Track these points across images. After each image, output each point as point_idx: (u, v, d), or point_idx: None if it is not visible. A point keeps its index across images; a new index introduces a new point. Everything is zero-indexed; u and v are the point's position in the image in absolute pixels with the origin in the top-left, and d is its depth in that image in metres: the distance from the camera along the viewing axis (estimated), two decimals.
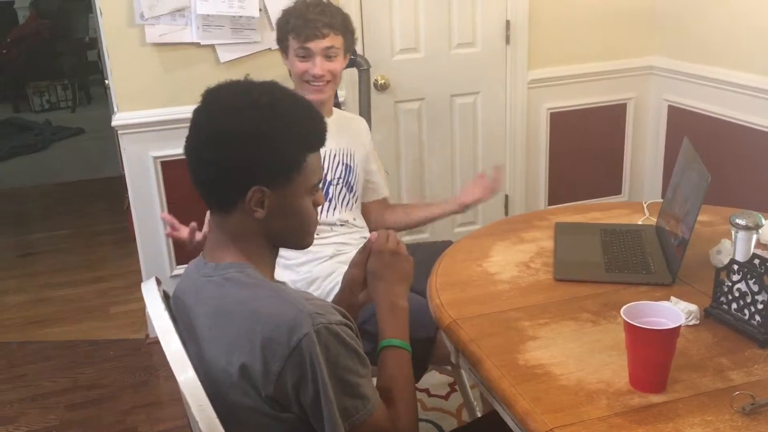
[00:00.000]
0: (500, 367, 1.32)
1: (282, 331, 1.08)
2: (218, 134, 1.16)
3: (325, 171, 2.13)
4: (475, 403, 2.27)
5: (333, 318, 1.12)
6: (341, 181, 2.17)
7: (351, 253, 2.07)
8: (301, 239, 1.28)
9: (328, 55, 2.09)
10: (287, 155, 1.17)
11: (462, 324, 1.47)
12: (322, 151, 2.10)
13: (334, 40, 2.09)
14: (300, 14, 2.10)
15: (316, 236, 2.09)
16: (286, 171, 1.18)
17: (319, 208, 2.10)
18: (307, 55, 2.08)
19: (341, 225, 2.16)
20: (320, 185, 1.27)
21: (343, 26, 2.13)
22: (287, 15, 2.14)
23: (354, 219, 2.19)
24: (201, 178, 1.20)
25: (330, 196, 2.16)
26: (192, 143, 1.19)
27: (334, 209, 2.16)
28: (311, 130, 1.22)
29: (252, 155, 1.15)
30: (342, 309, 1.17)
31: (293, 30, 2.09)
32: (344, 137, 2.20)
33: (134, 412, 2.57)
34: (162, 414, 2.54)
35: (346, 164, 2.19)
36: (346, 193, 2.18)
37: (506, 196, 3.47)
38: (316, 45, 2.07)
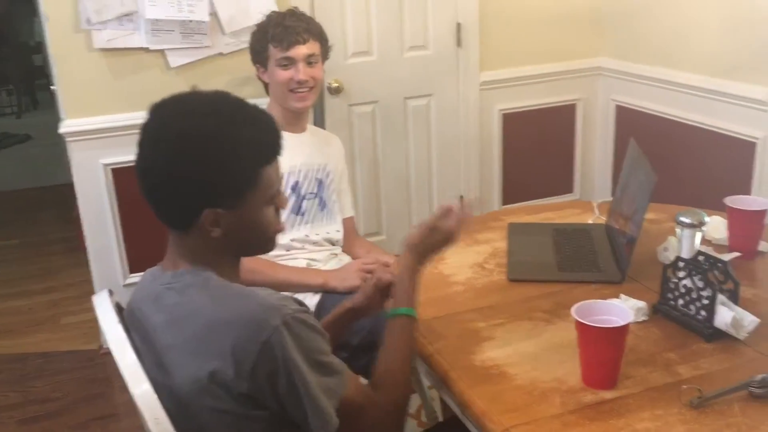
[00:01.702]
0: (456, 368, 1.33)
1: (250, 329, 1.08)
2: (166, 154, 1.13)
3: (299, 185, 2.14)
4: (434, 403, 2.28)
5: (294, 306, 1.13)
6: (314, 196, 2.17)
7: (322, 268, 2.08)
8: (261, 247, 1.26)
9: (309, 62, 2.12)
10: (239, 175, 1.14)
11: (418, 326, 1.48)
12: (296, 165, 2.12)
13: (314, 47, 2.13)
14: (278, 23, 2.11)
15: (287, 252, 2.11)
16: (239, 190, 1.15)
17: (291, 223, 2.12)
18: (289, 64, 2.10)
19: (313, 243, 2.15)
20: (280, 190, 1.24)
21: (320, 34, 2.17)
22: (264, 26, 2.16)
23: (327, 234, 2.19)
24: (153, 197, 1.17)
25: (303, 210, 2.15)
26: (141, 161, 1.16)
27: (306, 224, 2.16)
28: (264, 143, 1.18)
29: (202, 177, 1.12)
30: (295, 298, 1.18)
31: (274, 39, 2.10)
32: (318, 153, 2.21)
33: (89, 426, 2.52)
34: (118, 427, 2.49)
35: (320, 180, 2.19)
36: (319, 209, 2.18)
37: (461, 198, 3.50)
38: (297, 52, 2.09)
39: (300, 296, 2.03)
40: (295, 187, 2.14)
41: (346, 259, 2.24)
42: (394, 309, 1.36)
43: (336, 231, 2.23)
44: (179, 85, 1.24)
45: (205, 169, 1.12)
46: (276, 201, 1.23)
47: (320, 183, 2.20)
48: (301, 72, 2.10)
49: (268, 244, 1.26)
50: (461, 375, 1.31)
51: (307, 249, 2.15)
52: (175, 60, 2.74)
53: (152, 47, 2.70)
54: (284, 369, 1.08)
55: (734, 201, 1.72)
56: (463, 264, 1.77)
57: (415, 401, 2.51)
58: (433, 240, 1.44)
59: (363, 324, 1.92)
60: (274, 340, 1.07)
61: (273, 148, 1.20)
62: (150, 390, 1.07)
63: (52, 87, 2.86)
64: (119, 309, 1.25)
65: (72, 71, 2.67)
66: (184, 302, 1.15)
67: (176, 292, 1.16)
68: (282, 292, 1.20)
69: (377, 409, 1.21)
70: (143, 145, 1.16)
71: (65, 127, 2.71)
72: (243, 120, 1.16)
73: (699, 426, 1.14)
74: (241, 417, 1.11)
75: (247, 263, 2.02)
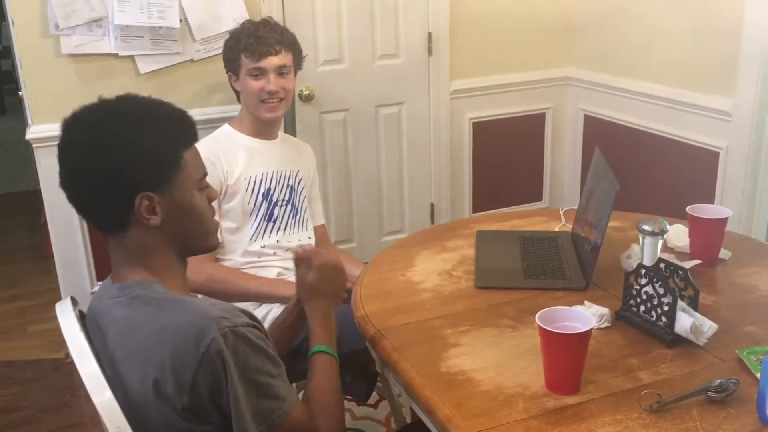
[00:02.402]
0: (423, 375, 1.34)
1: (189, 339, 1.07)
2: (85, 153, 1.14)
3: (271, 192, 2.14)
4: (404, 410, 2.29)
5: (238, 320, 1.12)
6: (286, 203, 2.17)
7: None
8: (203, 240, 1.26)
9: (281, 73, 2.13)
10: (160, 155, 1.16)
11: (386, 334, 1.49)
12: (268, 172, 2.12)
13: (285, 58, 2.13)
14: (251, 33, 2.12)
15: (258, 259, 2.11)
16: (165, 171, 1.17)
17: (263, 230, 2.11)
18: (260, 74, 2.11)
19: (285, 250, 2.15)
20: (207, 181, 1.27)
21: (293, 44, 2.18)
22: (237, 35, 2.16)
23: (299, 241, 2.19)
24: (83, 203, 1.18)
25: (275, 217, 2.15)
26: (64, 173, 1.17)
27: (278, 231, 2.16)
28: (179, 127, 1.21)
29: (126, 163, 1.14)
30: (247, 311, 1.18)
31: (246, 49, 2.10)
32: (289, 160, 2.21)
33: None
34: None
35: (291, 186, 2.20)
36: (291, 217, 2.19)
37: (432, 205, 3.52)
38: (269, 62, 2.10)
39: (267, 306, 2.03)
40: (267, 194, 2.14)
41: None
42: (316, 347, 1.39)
43: (308, 238, 2.24)
44: (149, 92, 1.25)
45: (127, 153, 1.14)
46: (205, 189, 1.25)
47: (292, 190, 2.20)
48: (272, 83, 2.10)
49: (209, 237, 1.27)
50: (427, 381, 1.32)
51: (279, 256, 2.15)
52: (145, 66, 2.73)
53: (122, 53, 2.69)
54: (226, 382, 1.08)
55: (696, 209, 1.76)
56: (431, 271, 1.79)
57: (384, 408, 2.52)
58: (319, 278, 1.46)
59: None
60: (213, 350, 1.07)
61: (189, 132, 1.23)
62: (112, 399, 1.06)
63: (19, 92, 2.83)
64: (83, 317, 1.24)
65: (39, 77, 2.65)
66: (129, 315, 1.15)
67: (122, 305, 1.16)
68: (233, 304, 1.20)
69: None
70: (63, 159, 1.17)
71: (32, 133, 2.68)
72: (155, 106, 1.20)
73: (658, 430, 1.16)
74: None
75: (216, 273, 2.03)
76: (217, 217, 1.31)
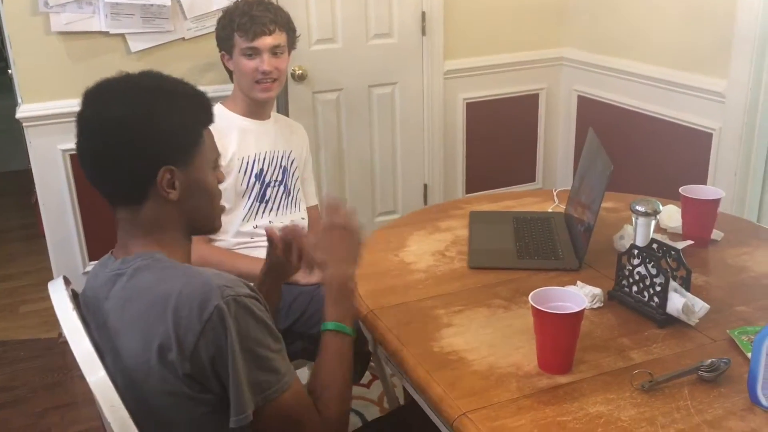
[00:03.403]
0: (416, 355, 1.35)
1: (193, 306, 1.08)
2: (112, 125, 1.14)
3: (264, 172, 2.13)
4: (397, 390, 2.31)
5: (241, 291, 1.12)
6: (278, 183, 2.17)
7: None
8: (211, 220, 1.27)
9: (274, 53, 2.11)
10: (186, 131, 1.18)
11: (379, 314, 1.50)
12: (260, 152, 2.11)
13: (280, 38, 2.11)
14: (245, 12, 2.10)
15: (251, 240, 2.10)
16: (187, 147, 1.19)
17: (255, 210, 2.11)
18: (254, 54, 2.09)
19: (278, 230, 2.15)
20: (219, 162, 1.28)
21: (287, 24, 2.16)
22: (230, 14, 2.13)
23: (292, 221, 2.18)
24: (103, 174, 1.18)
25: (267, 197, 2.15)
26: (85, 145, 1.17)
27: (271, 211, 2.15)
28: (200, 105, 1.23)
29: (152, 137, 1.15)
30: (249, 284, 1.17)
31: (240, 28, 2.09)
32: (282, 140, 2.20)
33: (48, 414, 2.49)
34: (77, 415, 2.47)
35: (284, 167, 2.19)
36: (283, 197, 2.18)
37: (425, 185, 3.52)
38: (263, 42, 2.08)
39: None
40: (260, 175, 2.13)
41: None
42: (324, 323, 1.30)
43: (301, 218, 2.23)
44: (140, 71, 1.24)
45: (154, 127, 1.15)
46: (217, 170, 1.26)
47: (284, 170, 2.19)
48: (266, 62, 2.08)
49: (215, 220, 1.28)
50: (420, 361, 1.33)
51: None
52: (136, 45, 2.70)
53: (112, 31, 2.66)
54: (226, 351, 1.08)
55: (688, 190, 1.76)
56: (424, 252, 1.79)
57: (377, 388, 2.53)
58: (337, 242, 1.36)
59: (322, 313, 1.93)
60: (216, 318, 1.07)
61: (209, 112, 1.24)
62: (105, 377, 1.06)
63: (9, 71, 2.80)
64: (75, 296, 1.23)
65: (29, 55, 2.61)
66: (132, 284, 1.15)
67: (127, 277, 1.16)
68: (237, 277, 1.19)
69: (317, 422, 1.19)
70: (84, 128, 1.17)
71: (22, 112, 2.65)
72: (176, 88, 1.21)
73: (649, 409, 1.17)
74: (189, 399, 1.11)
75: (209, 253, 2.02)
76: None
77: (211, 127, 1.25)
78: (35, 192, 2.82)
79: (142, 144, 1.15)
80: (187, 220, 1.22)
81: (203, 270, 1.16)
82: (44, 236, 2.83)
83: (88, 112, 1.17)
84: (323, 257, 1.35)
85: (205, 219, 1.26)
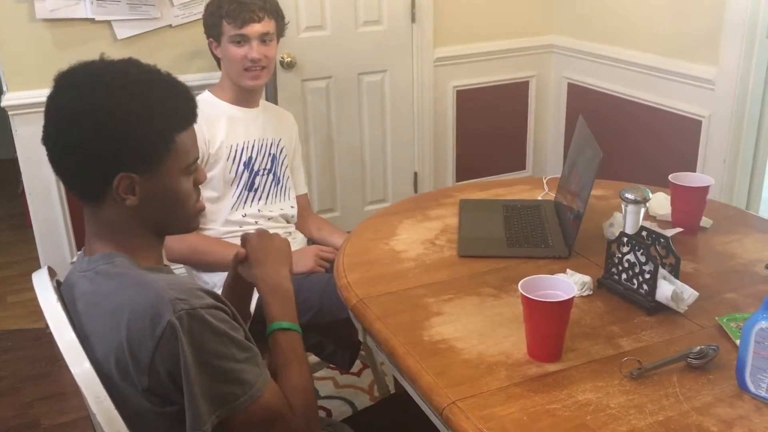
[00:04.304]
0: (405, 344, 1.34)
1: (145, 321, 1.04)
2: (72, 119, 1.09)
3: (252, 161, 2.11)
4: (387, 379, 2.31)
5: (197, 302, 1.06)
6: (267, 172, 2.15)
7: None
8: (181, 223, 1.22)
9: (263, 40, 2.09)
10: (151, 137, 1.10)
11: (368, 303, 1.49)
12: (249, 140, 2.09)
13: (269, 25, 2.10)
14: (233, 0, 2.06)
15: (240, 228, 2.09)
16: (152, 154, 1.11)
17: (244, 199, 2.09)
18: (242, 41, 2.07)
19: (267, 219, 2.14)
20: (197, 164, 1.21)
21: (276, 11, 2.14)
22: (219, 1, 2.11)
23: (281, 210, 2.17)
24: (62, 168, 1.13)
25: (256, 186, 2.13)
26: (48, 131, 1.12)
27: (260, 200, 2.14)
28: (177, 109, 1.14)
29: (112, 140, 1.08)
30: (214, 292, 1.13)
31: (228, 15, 2.06)
32: (271, 128, 2.19)
33: (36, 405, 2.48)
34: (66, 405, 2.46)
35: (273, 155, 2.17)
36: (272, 186, 2.17)
37: (415, 174, 3.51)
38: (252, 29, 2.06)
39: None
40: (248, 163, 2.12)
41: (299, 237, 2.24)
42: (269, 326, 1.28)
43: (290, 207, 2.22)
44: (122, 58, 1.21)
45: (115, 130, 1.08)
46: (194, 173, 1.20)
47: (274, 158, 2.18)
48: (255, 50, 2.06)
49: (189, 222, 1.22)
50: (409, 350, 1.32)
51: (261, 224, 2.13)
52: (122, 32, 2.68)
53: (98, 18, 2.63)
54: (180, 366, 1.04)
55: (678, 178, 1.76)
56: (414, 240, 1.78)
57: (368, 377, 2.54)
58: (261, 247, 1.36)
59: (312, 303, 1.92)
60: (168, 333, 1.03)
61: (187, 115, 1.16)
62: (90, 369, 1.04)
63: None
64: (60, 286, 1.22)
65: (13, 42, 2.58)
66: (93, 290, 1.12)
67: (88, 280, 1.13)
68: (197, 283, 1.16)
69: (293, 418, 1.17)
70: (50, 116, 1.12)
71: (7, 100, 2.62)
72: (155, 86, 1.13)
73: (638, 396, 1.17)
74: (150, 412, 1.07)
75: (198, 242, 2.01)
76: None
77: (199, 115, 1.20)
78: (22, 181, 2.79)
79: (99, 145, 1.08)
80: (151, 223, 1.17)
81: (158, 279, 1.10)
82: (31, 226, 2.81)
83: (52, 96, 1.12)
84: (250, 269, 1.35)
85: (172, 222, 1.20)
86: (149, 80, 1.13)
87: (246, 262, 1.37)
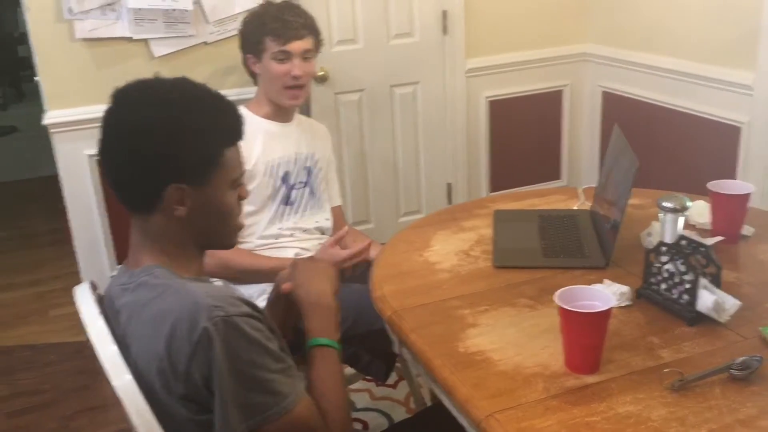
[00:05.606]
0: (441, 355, 1.34)
1: (183, 327, 1.06)
2: (129, 132, 1.14)
3: (289, 175, 2.14)
4: (423, 391, 2.30)
5: (233, 310, 1.08)
6: (303, 185, 2.17)
7: None
8: (224, 238, 1.25)
9: (305, 57, 2.11)
10: (203, 151, 1.16)
11: (403, 315, 1.49)
12: (286, 155, 2.11)
13: (309, 43, 2.13)
14: (276, 17, 2.10)
15: (275, 241, 2.10)
16: (203, 167, 1.16)
17: (281, 213, 2.11)
18: (285, 58, 2.09)
19: (303, 231, 2.15)
20: (243, 179, 1.25)
21: (314, 28, 2.16)
22: (261, 17, 2.13)
23: (317, 222, 2.19)
24: (117, 179, 1.18)
25: (292, 199, 2.15)
26: (104, 144, 1.17)
27: (296, 213, 2.16)
28: (226, 124, 1.20)
29: (166, 152, 1.13)
30: (251, 301, 1.15)
31: (272, 32, 2.08)
32: (306, 142, 2.21)
33: (77, 417, 2.52)
34: (105, 417, 2.49)
35: (308, 168, 2.19)
36: (309, 198, 2.18)
37: (449, 185, 3.50)
38: (295, 46, 2.09)
39: None
40: (286, 178, 2.14)
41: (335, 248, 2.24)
42: (310, 340, 1.29)
43: (326, 219, 2.24)
44: (174, 77, 1.24)
45: (170, 142, 1.13)
46: (239, 188, 1.24)
47: (309, 172, 2.20)
48: (297, 67, 2.09)
49: (230, 236, 1.26)
50: (445, 362, 1.31)
51: (296, 237, 2.15)
52: (159, 49, 2.73)
53: (135, 37, 2.69)
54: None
55: (717, 185, 1.73)
56: (448, 251, 1.78)
57: (404, 389, 2.53)
58: (305, 268, 1.38)
59: (346, 314, 1.92)
60: (204, 340, 1.04)
61: (235, 132, 1.22)
62: (131, 381, 1.06)
63: (35, 78, 2.84)
64: (102, 301, 1.24)
65: (54, 62, 2.65)
66: (134, 302, 1.15)
67: (130, 292, 1.16)
68: (236, 293, 1.16)
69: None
70: (107, 130, 1.17)
71: (49, 118, 2.69)
72: (208, 99, 1.19)
73: (680, 408, 1.15)
74: (188, 420, 1.09)
75: (229, 256, 2.01)
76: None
77: None
78: (63, 197, 2.85)
79: (155, 158, 1.13)
80: (196, 236, 1.21)
81: (196, 288, 1.13)
82: (72, 242, 2.86)
83: (109, 111, 1.17)
84: (294, 291, 1.36)
85: (216, 237, 1.24)
86: (201, 97, 1.18)
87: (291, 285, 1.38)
